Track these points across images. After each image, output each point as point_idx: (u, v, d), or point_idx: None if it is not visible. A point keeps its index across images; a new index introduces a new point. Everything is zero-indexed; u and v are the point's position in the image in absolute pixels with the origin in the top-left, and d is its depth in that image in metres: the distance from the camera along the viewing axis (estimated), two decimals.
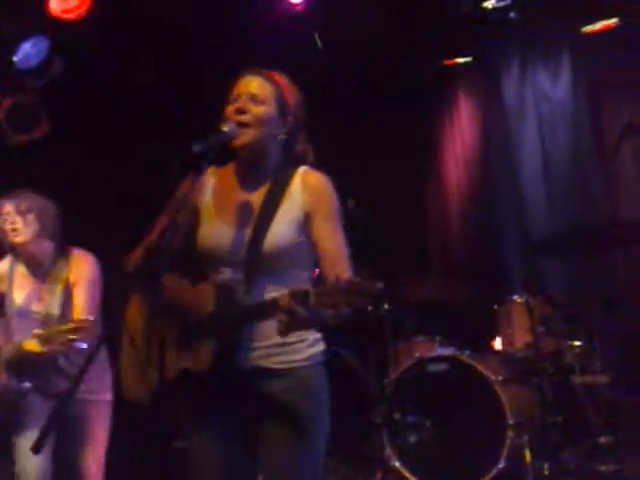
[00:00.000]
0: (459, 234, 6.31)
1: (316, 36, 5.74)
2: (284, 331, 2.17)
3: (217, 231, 2.49)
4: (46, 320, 3.45)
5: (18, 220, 3.53)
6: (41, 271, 3.60)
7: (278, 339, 2.34)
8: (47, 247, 3.61)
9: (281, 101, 2.50)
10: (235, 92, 2.50)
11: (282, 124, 2.51)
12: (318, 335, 2.51)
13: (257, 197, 2.49)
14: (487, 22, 5.74)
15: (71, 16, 5.37)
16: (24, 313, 3.54)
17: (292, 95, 2.55)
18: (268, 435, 2.40)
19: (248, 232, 2.43)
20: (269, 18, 5.58)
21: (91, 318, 3.37)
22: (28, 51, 5.43)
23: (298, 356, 2.45)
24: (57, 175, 5.04)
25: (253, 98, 2.47)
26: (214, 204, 2.55)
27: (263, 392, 2.41)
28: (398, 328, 5.20)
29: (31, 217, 3.54)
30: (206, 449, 2.45)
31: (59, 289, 3.50)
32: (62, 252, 3.62)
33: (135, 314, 2.49)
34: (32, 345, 3.25)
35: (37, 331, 3.25)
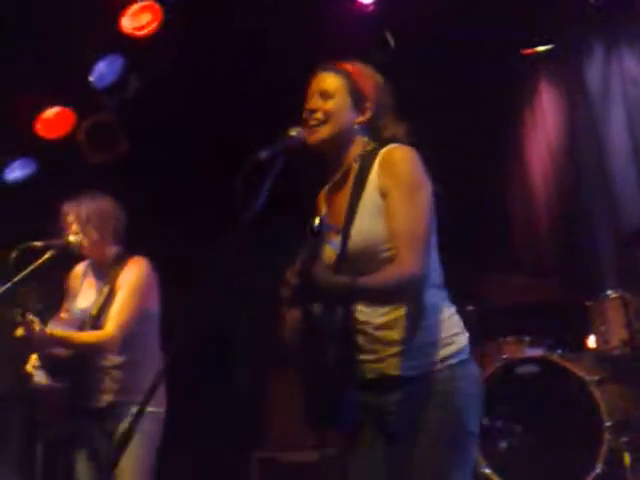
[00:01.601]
0: (546, 228, 6.06)
1: (388, 34, 5.64)
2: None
3: (327, 245, 2.38)
4: (87, 320, 3.47)
5: (77, 228, 3.57)
6: (102, 275, 3.62)
7: (402, 346, 2.26)
8: (107, 252, 3.63)
9: (354, 90, 2.43)
10: (309, 93, 2.46)
11: (359, 112, 2.43)
12: (451, 331, 2.33)
13: (346, 193, 2.40)
14: (568, 7, 5.54)
15: (143, 33, 5.45)
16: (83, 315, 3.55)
17: (369, 81, 2.47)
18: (394, 453, 2.29)
19: (339, 236, 2.33)
20: (340, 19, 5.52)
21: (108, 329, 3.38)
22: (103, 70, 5.53)
23: (426, 360, 2.28)
24: (136, 191, 5.11)
25: (323, 94, 2.41)
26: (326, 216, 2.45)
27: (390, 401, 2.30)
28: (484, 329, 5.03)
29: (91, 225, 3.57)
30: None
31: (106, 290, 3.51)
32: (121, 257, 3.63)
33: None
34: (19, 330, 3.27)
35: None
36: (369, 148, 2.42)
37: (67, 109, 5.55)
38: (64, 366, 3.39)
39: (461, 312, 4.90)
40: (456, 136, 5.70)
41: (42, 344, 3.33)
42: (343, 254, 2.29)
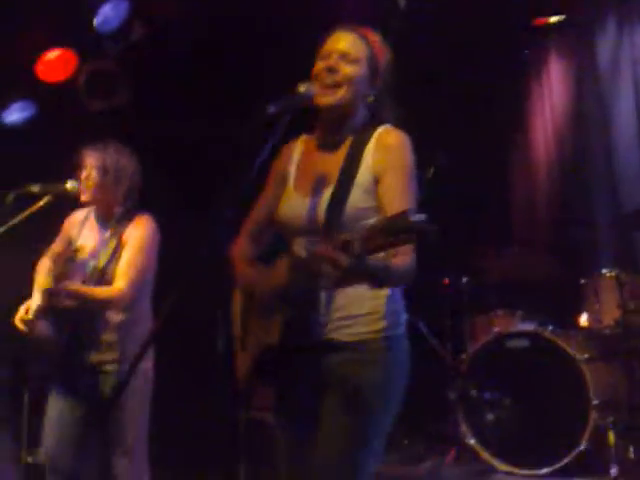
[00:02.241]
0: (545, 203, 6.04)
1: None
2: (333, 284, 2.04)
3: (294, 201, 2.38)
4: (93, 272, 3.42)
5: (94, 176, 3.51)
6: (106, 227, 3.58)
7: (351, 311, 2.25)
8: (115, 207, 3.59)
9: (373, 61, 2.38)
10: (326, 49, 2.38)
11: (372, 86, 2.39)
12: (396, 307, 2.35)
13: (336, 160, 2.36)
14: None
15: None
16: (82, 266, 3.51)
17: (383, 56, 2.42)
18: (325, 405, 2.27)
19: (325, 199, 2.30)
20: None
21: (120, 285, 3.36)
22: (108, 14, 5.41)
23: (367, 328, 2.29)
24: (135, 142, 5.04)
25: (345, 56, 2.34)
26: (296, 173, 2.45)
27: (329, 364, 2.29)
28: (477, 301, 5.03)
29: (109, 177, 3.51)
30: (285, 426, 2.40)
31: (112, 244, 3.47)
32: (128, 213, 3.58)
33: (237, 301, 2.44)
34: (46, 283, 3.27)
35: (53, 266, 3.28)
36: (365, 124, 2.40)
37: (69, 52, 5.43)
38: (68, 319, 3.37)
39: (455, 284, 5.00)
40: (460, 104, 5.65)
41: (57, 296, 3.31)
42: (333, 218, 2.26)
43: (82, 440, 3.44)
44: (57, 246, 3.68)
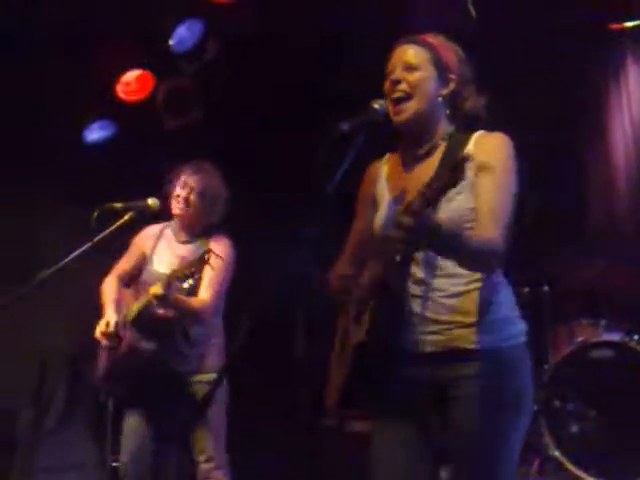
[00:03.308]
0: (627, 211, 5.89)
1: (470, 5, 5.50)
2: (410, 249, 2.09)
3: (389, 212, 2.37)
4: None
5: (191, 198, 3.61)
6: (186, 243, 3.65)
7: (467, 318, 2.23)
8: (200, 224, 3.67)
9: (439, 62, 2.39)
10: (390, 65, 2.41)
11: (443, 85, 2.39)
12: (513, 313, 2.33)
13: (431, 167, 2.34)
14: None
15: None
16: (158, 278, 3.57)
17: (450, 53, 2.43)
18: (453, 428, 2.25)
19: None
20: None
21: (206, 297, 3.46)
22: (184, 35, 5.53)
23: (489, 337, 2.24)
24: (211, 157, 5.13)
25: (407, 67, 2.37)
26: (388, 189, 2.44)
27: (447, 376, 2.25)
28: (558, 311, 4.93)
29: (203, 200, 3.61)
30: (383, 437, 2.35)
31: (197, 258, 3.53)
32: (207, 232, 3.67)
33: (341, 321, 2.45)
34: (156, 288, 3.34)
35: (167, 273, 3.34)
36: (454, 129, 2.41)
37: (147, 72, 5.57)
38: (159, 329, 3.46)
39: (536, 292, 4.91)
40: (536, 114, 5.57)
41: (167, 303, 3.39)
42: None
43: (160, 451, 3.53)
44: (124, 263, 3.78)
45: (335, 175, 2.19)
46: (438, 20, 5.03)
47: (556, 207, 5.47)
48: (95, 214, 3.53)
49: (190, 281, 3.36)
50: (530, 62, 5.58)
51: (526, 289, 4.92)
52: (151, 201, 3.63)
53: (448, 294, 2.26)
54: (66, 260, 3.44)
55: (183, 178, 3.64)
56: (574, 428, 4.42)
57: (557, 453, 4.40)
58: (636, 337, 4.55)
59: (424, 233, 1.98)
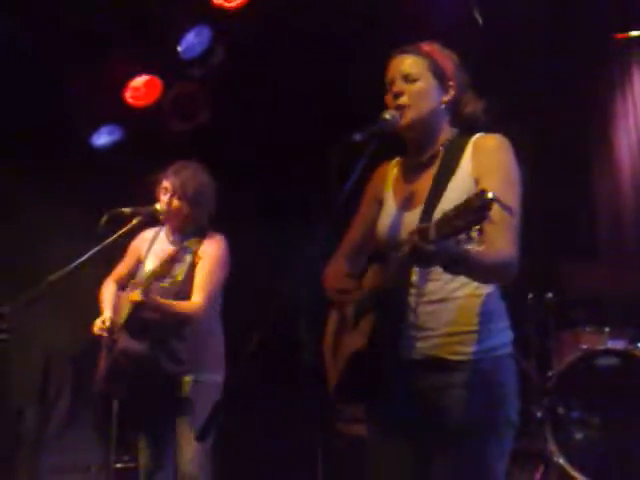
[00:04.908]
0: (632, 218, 5.89)
1: (476, 12, 5.52)
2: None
3: (392, 218, 2.41)
4: (171, 288, 3.48)
5: (173, 201, 3.62)
6: (178, 244, 3.66)
7: (455, 327, 2.24)
8: (191, 224, 3.68)
9: (437, 70, 2.41)
10: (389, 77, 2.44)
11: (443, 92, 2.42)
12: (501, 324, 2.34)
13: (432, 174, 2.38)
14: None
15: (233, 5, 5.45)
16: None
17: (447, 60, 2.45)
18: (433, 437, 2.26)
19: (417, 212, 2.31)
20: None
21: (198, 299, 3.45)
22: (192, 41, 5.56)
23: (477, 347, 2.25)
24: (214, 163, 5.15)
25: (406, 78, 2.39)
26: (394, 192, 2.48)
27: (432, 385, 2.27)
28: (563, 318, 4.93)
29: (185, 201, 3.61)
30: (379, 443, 2.39)
31: (188, 259, 3.54)
32: (200, 231, 3.67)
33: (331, 320, 2.48)
34: (135, 295, 3.35)
35: (142, 281, 3.37)
36: (455, 134, 2.43)
37: (155, 78, 5.60)
38: (150, 331, 3.46)
39: (540, 299, 4.92)
40: (542, 122, 5.58)
41: (148, 309, 3.41)
42: None
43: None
44: (122, 267, 3.80)
45: (346, 184, 2.20)
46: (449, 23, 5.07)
47: (562, 214, 5.49)
48: (103, 218, 3.56)
49: (170, 279, 3.39)
50: (536, 70, 5.61)
51: (530, 296, 4.93)
52: (159, 206, 3.65)
53: (432, 300, 2.28)
54: (75, 263, 3.47)
55: (164, 183, 3.65)
56: (578, 435, 4.43)
57: (561, 460, 4.40)
58: None
59: (447, 262, 1.98)
